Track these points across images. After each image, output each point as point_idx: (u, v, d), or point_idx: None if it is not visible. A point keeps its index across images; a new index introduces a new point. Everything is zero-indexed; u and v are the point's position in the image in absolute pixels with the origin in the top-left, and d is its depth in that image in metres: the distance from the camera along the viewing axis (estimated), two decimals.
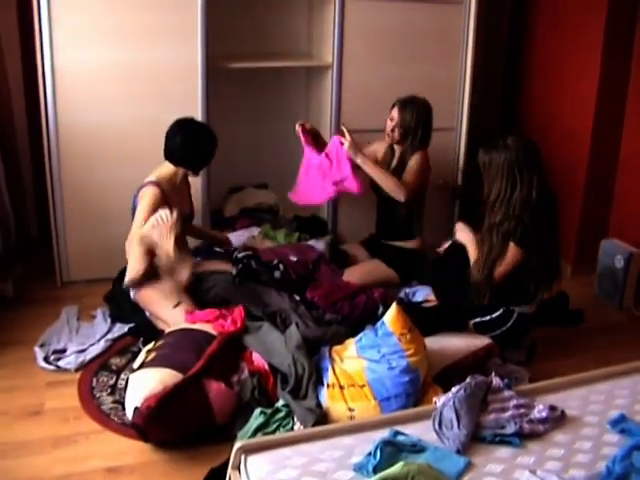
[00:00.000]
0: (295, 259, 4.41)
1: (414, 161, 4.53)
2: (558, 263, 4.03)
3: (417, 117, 4.51)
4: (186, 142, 4.08)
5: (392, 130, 4.55)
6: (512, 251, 3.79)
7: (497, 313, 3.93)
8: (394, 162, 4.67)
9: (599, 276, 5.01)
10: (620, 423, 2.68)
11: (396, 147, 4.66)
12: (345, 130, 4.47)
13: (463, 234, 4.08)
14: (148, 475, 3.15)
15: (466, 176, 5.35)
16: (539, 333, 4.22)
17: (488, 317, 3.94)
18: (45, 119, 4.48)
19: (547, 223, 3.84)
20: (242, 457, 2.47)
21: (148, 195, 4.00)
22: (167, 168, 4.15)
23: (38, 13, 4.29)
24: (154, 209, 3.95)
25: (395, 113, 4.54)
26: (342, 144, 4.47)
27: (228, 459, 2.56)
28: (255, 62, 5.10)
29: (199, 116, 4.67)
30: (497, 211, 3.80)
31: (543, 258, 3.89)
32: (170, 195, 4.10)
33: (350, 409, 3.24)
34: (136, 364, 3.52)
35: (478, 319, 3.95)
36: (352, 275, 4.50)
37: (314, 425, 3.10)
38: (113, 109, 4.57)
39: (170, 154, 4.13)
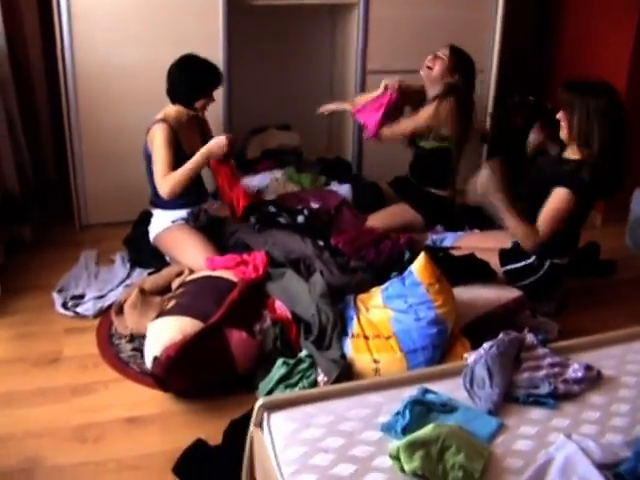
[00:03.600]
0: (317, 206, 4.30)
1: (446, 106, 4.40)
2: None
3: (467, 64, 4.41)
4: (172, 76, 3.99)
5: (433, 65, 4.41)
6: (562, 197, 3.64)
7: (530, 260, 3.80)
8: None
9: (631, 226, 4.88)
10: None
11: (429, 87, 4.52)
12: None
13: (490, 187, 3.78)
14: (168, 426, 3.10)
15: (494, 120, 5.22)
16: (569, 284, 4.11)
17: (522, 263, 3.81)
18: (62, 60, 4.40)
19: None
20: (264, 415, 2.38)
21: (158, 133, 3.94)
22: (171, 106, 4.07)
23: None
24: (168, 144, 3.91)
25: (446, 51, 4.40)
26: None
27: (249, 411, 2.48)
28: None
29: (220, 56, 4.59)
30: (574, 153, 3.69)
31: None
32: (180, 132, 4.03)
33: (375, 360, 3.16)
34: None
35: (510, 266, 3.83)
36: (377, 220, 4.41)
37: (338, 377, 3.04)
38: (131, 49, 4.48)
39: (167, 91, 4.04)
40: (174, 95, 4.03)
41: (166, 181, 3.87)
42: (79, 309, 3.83)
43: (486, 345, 2.65)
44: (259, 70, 5.32)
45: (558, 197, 3.65)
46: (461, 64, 4.40)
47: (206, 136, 4.26)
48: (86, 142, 4.55)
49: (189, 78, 3.98)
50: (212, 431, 2.97)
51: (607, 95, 3.60)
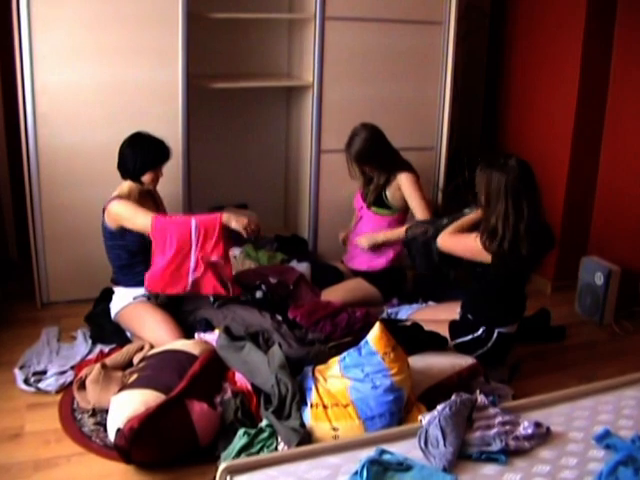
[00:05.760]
0: (275, 280, 4.39)
1: (404, 185, 4.56)
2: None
3: (363, 146, 4.55)
4: (121, 152, 4.13)
5: (349, 171, 4.67)
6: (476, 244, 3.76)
7: (478, 333, 3.92)
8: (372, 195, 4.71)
9: (579, 293, 5.04)
10: (605, 438, 2.68)
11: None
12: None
13: None
14: None
15: (446, 195, 5.37)
16: (521, 350, 4.24)
17: (470, 337, 3.93)
18: (25, 139, 4.47)
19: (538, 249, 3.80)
20: (227, 478, 2.44)
21: (121, 206, 4.04)
22: (124, 183, 4.18)
23: (19, 35, 4.29)
24: (135, 205, 4.05)
25: (354, 166, 4.66)
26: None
27: (213, 478, 2.53)
28: (236, 82, 5.11)
29: (179, 135, 4.70)
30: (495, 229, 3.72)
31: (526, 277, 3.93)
32: None
33: (334, 428, 3.22)
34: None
35: (459, 340, 3.94)
36: (334, 294, 4.48)
37: (298, 445, 3.09)
38: (93, 129, 4.57)
39: (117, 166, 4.17)
40: (123, 170, 4.15)
41: (158, 221, 3.99)
42: (41, 385, 3.83)
43: (439, 407, 2.74)
44: (217, 150, 5.44)
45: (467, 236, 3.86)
46: (367, 157, 4.60)
47: (160, 211, 4.37)
48: (47, 221, 4.60)
49: (134, 153, 4.09)
50: None
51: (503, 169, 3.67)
